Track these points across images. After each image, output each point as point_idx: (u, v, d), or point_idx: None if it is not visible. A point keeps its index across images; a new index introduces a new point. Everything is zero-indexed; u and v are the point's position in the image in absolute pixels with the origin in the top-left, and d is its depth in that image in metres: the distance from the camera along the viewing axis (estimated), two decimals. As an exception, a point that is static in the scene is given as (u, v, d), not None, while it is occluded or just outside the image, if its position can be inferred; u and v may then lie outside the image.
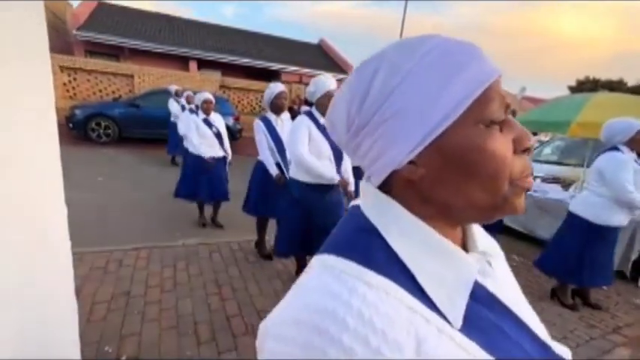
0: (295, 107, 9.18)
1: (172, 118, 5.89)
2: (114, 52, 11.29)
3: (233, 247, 3.07)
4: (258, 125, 2.68)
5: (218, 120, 3.47)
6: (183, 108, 5.37)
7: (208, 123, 3.38)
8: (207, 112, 3.38)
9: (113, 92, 9.54)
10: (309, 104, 2.27)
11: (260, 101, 11.97)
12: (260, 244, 3.01)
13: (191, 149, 3.38)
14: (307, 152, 2.07)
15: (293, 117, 9.43)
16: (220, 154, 3.45)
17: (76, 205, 3.72)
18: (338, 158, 2.18)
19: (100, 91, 9.52)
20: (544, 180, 4.74)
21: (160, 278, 2.42)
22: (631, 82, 23.81)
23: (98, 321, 1.92)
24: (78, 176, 4.88)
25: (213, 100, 3.41)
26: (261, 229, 2.99)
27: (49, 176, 0.91)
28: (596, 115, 3.52)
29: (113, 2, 13.50)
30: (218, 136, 3.41)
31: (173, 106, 5.97)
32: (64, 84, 9.13)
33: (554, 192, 3.86)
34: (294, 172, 2.22)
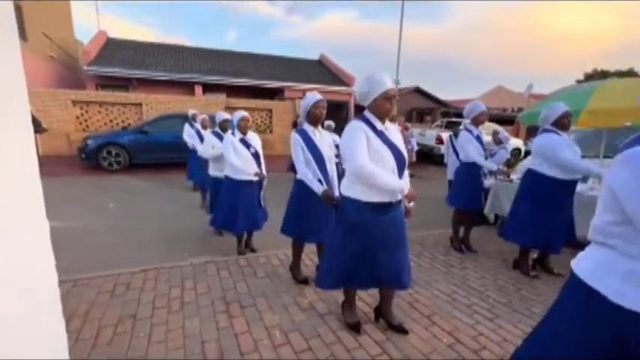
0: (299, 121, 9.25)
1: (190, 141, 5.55)
2: (123, 84, 11.73)
3: (241, 264, 3.01)
4: (295, 138, 2.43)
5: (255, 139, 3.25)
6: (198, 133, 5.04)
7: (246, 143, 3.14)
8: (243, 131, 3.17)
9: (123, 121, 9.84)
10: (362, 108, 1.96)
11: (265, 119, 12.15)
12: (295, 268, 2.76)
13: (230, 174, 3.19)
14: (369, 160, 1.70)
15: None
16: (257, 177, 3.23)
17: (87, 232, 3.80)
18: (401, 169, 1.82)
19: (111, 121, 9.84)
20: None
21: (167, 299, 2.38)
22: (641, 71, 23.26)
23: (104, 345, 1.87)
24: (89, 204, 4.98)
25: (250, 118, 3.24)
26: (298, 252, 2.74)
27: (28, 192, 0.88)
28: (606, 102, 3.40)
29: (121, 38, 14.14)
30: (256, 156, 3.17)
31: (188, 131, 5.62)
32: (77, 117, 9.48)
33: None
34: (348, 189, 1.84)
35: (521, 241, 2.95)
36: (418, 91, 18.97)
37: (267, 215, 3.38)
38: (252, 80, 13.23)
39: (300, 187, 2.47)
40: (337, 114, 14.18)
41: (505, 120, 15.24)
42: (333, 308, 2.32)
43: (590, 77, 24.01)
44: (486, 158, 5.00)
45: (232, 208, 3.16)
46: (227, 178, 3.23)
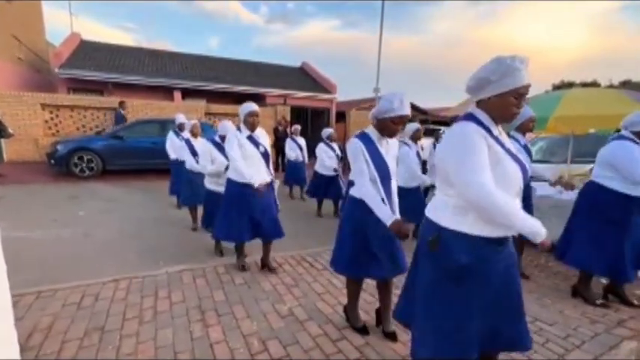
0: (280, 128, 9.20)
1: (172, 155, 4.86)
2: (97, 88, 11.32)
3: (219, 271, 2.93)
4: (355, 145, 1.84)
5: (263, 137, 2.86)
6: (188, 143, 4.16)
7: (254, 141, 2.77)
8: (252, 128, 2.79)
9: (97, 126, 9.48)
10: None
11: (246, 125, 12.03)
12: (352, 310, 2.18)
13: (234, 176, 2.79)
14: (493, 183, 1.18)
15: (277, 139, 9.31)
16: (267, 179, 2.84)
17: (55, 242, 3.61)
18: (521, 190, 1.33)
19: (84, 126, 9.45)
20: (531, 179, 4.75)
21: (139, 309, 2.27)
22: (604, 82, 24.89)
23: (67, 361, 1.76)
24: (58, 212, 4.72)
25: (260, 112, 2.84)
26: (356, 291, 2.15)
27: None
28: (572, 110, 3.59)
29: (95, 40, 13.70)
30: (265, 156, 2.82)
31: (174, 141, 4.88)
32: (46, 121, 9.06)
33: (542, 189, 3.85)
34: (453, 220, 1.29)
35: (586, 267, 2.56)
36: (398, 99, 19.38)
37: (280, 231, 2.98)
38: (233, 86, 13.12)
39: (356, 209, 1.90)
40: (318, 121, 14.26)
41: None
42: (313, 314, 2.29)
43: (557, 88, 25.36)
44: None
45: (239, 215, 2.78)
46: (230, 181, 2.83)
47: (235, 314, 2.25)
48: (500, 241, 1.28)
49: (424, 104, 19.81)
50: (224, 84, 12.99)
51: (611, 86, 20.98)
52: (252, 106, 2.75)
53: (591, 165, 4.27)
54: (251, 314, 2.26)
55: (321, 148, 5.31)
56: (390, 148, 1.94)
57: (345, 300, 2.48)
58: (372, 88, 12.69)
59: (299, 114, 13.18)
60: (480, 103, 1.30)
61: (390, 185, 1.88)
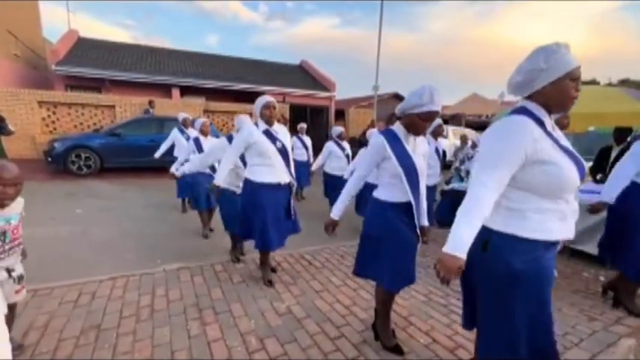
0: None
1: (176, 153, 4.77)
2: (95, 85, 11.25)
3: (217, 269, 2.92)
4: (377, 140, 1.74)
5: (283, 133, 2.63)
6: (197, 142, 3.87)
7: (271, 136, 2.53)
8: (270, 122, 2.57)
9: (95, 124, 9.43)
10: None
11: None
12: (384, 328, 1.95)
13: (249, 177, 2.57)
14: (495, 191, 1.15)
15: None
16: (286, 179, 2.61)
17: (52, 240, 3.59)
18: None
19: (81, 123, 9.40)
20: None
21: (135, 307, 2.25)
22: (603, 81, 24.93)
23: (63, 359, 1.74)
24: (55, 210, 4.70)
25: (277, 106, 2.62)
26: (389, 304, 1.94)
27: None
28: (572, 107, 3.58)
29: (93, 37, 13.61)
30: (283, 153, 2.58)
31: (180, 140, 4.75)
32: (43, 119, 9.01)
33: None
34: (508, 224, 1.20)
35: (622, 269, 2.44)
36: (397, 96, 19.37)
37: (299, 227, 2.81)
38: (232, 84, 13.07)
39: (379, 208, 1.80)
40: (317, 119, 14.24)
41: (481, 125, 15.79)
42: (311, 312, 2.28)
43: (557, 86, 25.36)
44: (463, 163, 5.17)
45: (251, 215, 2.59)
46: (247, 181, 2.61)
47: (233, 312, 2.24)
48: (556, 244, 1.24)
49: (423, 102, 19.62)
50: (223, 81, 12.93)
51: (610, 84, 21.02)
52: (267, 97, 2.55)
53: (590, 163, 4.27)
54: (249, 312, 2.25)
55: (327, 147, 4.86)
56: (417, 145, 1.80)
57: (343, 298, 2.49)
58: (371, 86, 12.67)
59: (298, 112, 13.14)
60: (532, 97, 1.21)
61: (417, 186, 1.74)
